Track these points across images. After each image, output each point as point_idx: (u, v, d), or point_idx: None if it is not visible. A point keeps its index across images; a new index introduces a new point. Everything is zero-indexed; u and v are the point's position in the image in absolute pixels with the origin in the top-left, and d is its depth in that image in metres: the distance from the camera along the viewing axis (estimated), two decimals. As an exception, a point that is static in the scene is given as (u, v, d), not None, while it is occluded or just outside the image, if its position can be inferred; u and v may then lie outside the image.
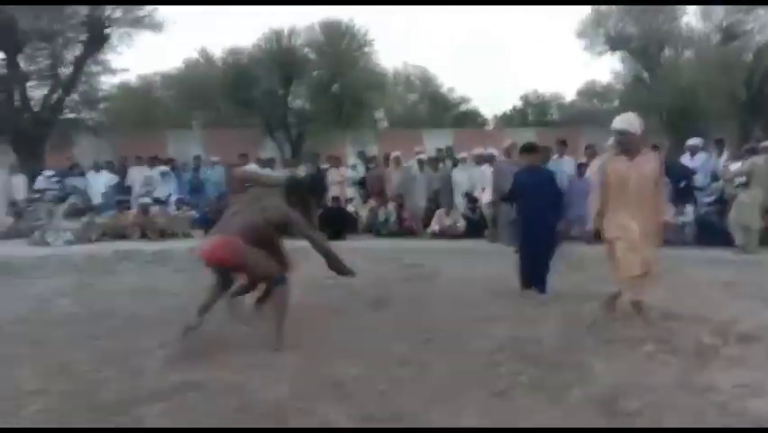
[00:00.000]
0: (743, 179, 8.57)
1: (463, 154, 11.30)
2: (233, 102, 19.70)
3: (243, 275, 4.76)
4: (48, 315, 5.33)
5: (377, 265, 7.52)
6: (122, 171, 13.53)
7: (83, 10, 16.12)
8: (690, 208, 9.39)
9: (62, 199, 11.87)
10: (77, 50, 16.66)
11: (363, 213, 11.31)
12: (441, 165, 11.59)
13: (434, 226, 10.51)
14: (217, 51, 20.24)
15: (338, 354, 4.09)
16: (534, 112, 31.43)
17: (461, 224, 10.43)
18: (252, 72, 18.28)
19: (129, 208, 11.51)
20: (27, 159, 14.81)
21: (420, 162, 11.55)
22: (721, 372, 3.69)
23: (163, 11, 19.88)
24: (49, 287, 6.55)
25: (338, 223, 10.41)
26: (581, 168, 10.09)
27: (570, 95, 29.20)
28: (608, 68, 22.70)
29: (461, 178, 10.99)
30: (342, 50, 18.21)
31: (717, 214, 9.31)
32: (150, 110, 22.82)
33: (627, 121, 4.79)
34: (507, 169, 9.23)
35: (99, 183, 12.71)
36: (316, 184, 6.50)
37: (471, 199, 10.70)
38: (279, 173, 10.81)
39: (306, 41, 18.42)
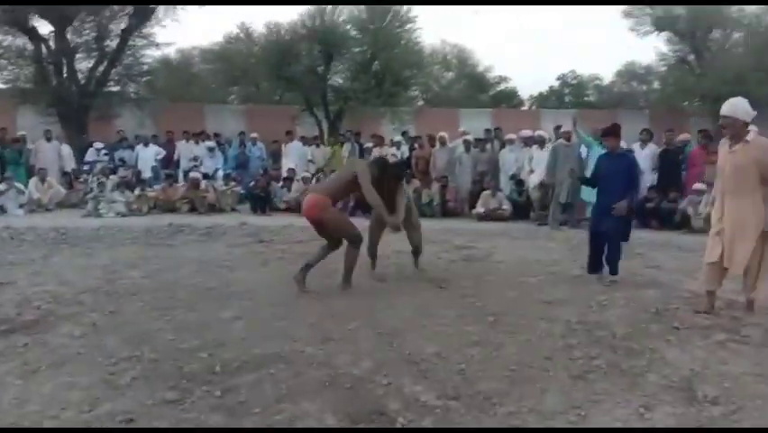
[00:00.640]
0: None
1: (511, 135, 11.23)
2: (272, 78, 19.73)
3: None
4: (119, 286, 5.50)
5: (428, 246, 7.57)
6: (169, 146, 13.75)
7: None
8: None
9: (113, 171, 12.15)
10: (123, 23, 16.83)
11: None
12: (488, 146, 11.52)
13: (480, 209, 10.51)
14: (258, 27, 20.24)
15: (411, 332, 4.18)
16: (572, 93, 30.91)
17: (507, 206, 10.41)
18: (293, 49, 18.25)
19: (176, 182, 11.74)
20: (73, 131, 15.12)
21: (467, 143, 11.51)
22: (795, 363, 3.68)
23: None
24: (113, 258, 6.76)
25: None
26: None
27: (609, 76, 28.49)
28: (653, 50, 21.96)
29: (509, 160, 10.94)
30: (384, 27, 18.08)
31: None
32: (189, 84, 22.98)
33: (730, 105, 4.59)
34: (564, 151, 9.22)
35: (148, 156, 12.98)
36: (401, 167, 6.75)
37: (518, 182, 10.66)
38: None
39: (348, 17, 18.33)
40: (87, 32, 16.65)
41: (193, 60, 23.81)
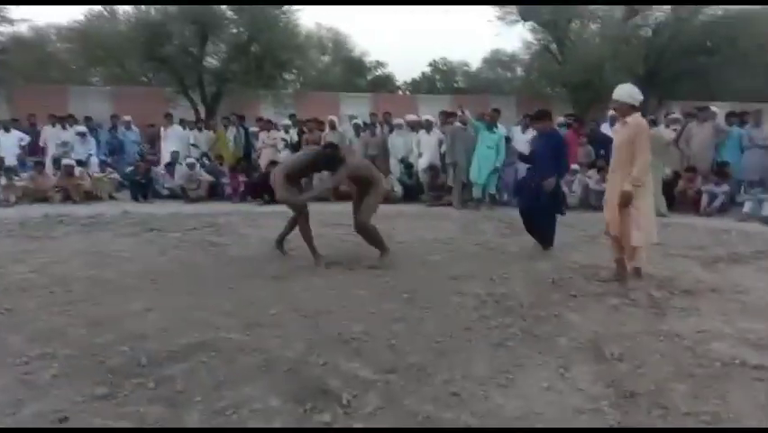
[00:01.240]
0: None
1: (399, 120, 11.47)
2: (141, 58, 18.67)
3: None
4: (7, 282, 5.07)
5: (325, 228, 7.61)
6: (32, 130, 12.61)
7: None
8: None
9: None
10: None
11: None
12: (377, 131, 11.69)
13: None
14: (124, 5, 18.95)
15: (334, 313, 4.25)
16: (443, 79, 31.96)
17: (399, 189, 10.68)
18: (164, 28, 17.31)
19: (45, 170, 10.83)
20: None
21: (356, 127, 11.61)
22: (679, 321, 4.19)
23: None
24: (-11, 253, 6.18)
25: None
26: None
27: (476, 63, 29.79)
28: (519, 38, 23.24)
29: (397, 143, 11.17)
30: (262, 8, 17.63)
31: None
32: (45, 64, 21.14)
33: (618, 90, 5.13)
34: (461, 134, 9.61)
35: (10, 143, 11.78)
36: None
37: (407, 165, 10.95)
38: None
39: (222, -3, 17.67)
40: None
41: (49, 39, 21.88)
